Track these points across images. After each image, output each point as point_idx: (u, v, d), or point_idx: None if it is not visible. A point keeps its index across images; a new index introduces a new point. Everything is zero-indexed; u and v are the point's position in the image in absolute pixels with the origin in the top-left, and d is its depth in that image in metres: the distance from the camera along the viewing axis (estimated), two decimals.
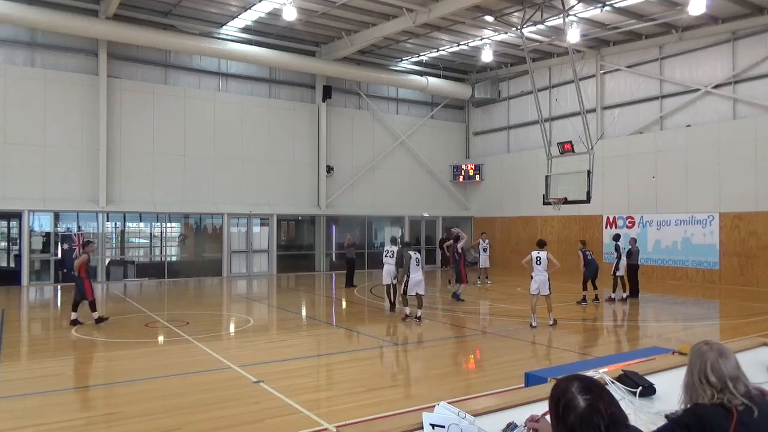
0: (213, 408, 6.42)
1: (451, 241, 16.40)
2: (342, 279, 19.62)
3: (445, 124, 28.70)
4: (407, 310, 12.45)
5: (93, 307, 11.66)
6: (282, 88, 24.52)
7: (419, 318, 12.19)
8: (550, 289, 11.72)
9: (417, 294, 12.28)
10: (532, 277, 11.78)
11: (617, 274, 15.43)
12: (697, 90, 20.36)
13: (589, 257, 15.38)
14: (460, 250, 15.94)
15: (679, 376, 2.64)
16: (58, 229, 20.24)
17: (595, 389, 2.03)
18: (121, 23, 19.49)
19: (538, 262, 11.70)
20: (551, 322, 11.61)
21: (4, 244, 20.58)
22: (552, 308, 11.80)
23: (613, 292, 15.46)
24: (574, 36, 19.13)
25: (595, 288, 15.28)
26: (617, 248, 15.62)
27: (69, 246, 19.78)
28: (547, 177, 19.90)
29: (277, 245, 24.06)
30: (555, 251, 21.74)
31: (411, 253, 12.43)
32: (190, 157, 22.14)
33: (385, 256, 14.04)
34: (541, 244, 12.11)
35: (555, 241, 23.67)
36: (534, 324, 11.53)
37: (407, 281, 12.27)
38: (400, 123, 27.12)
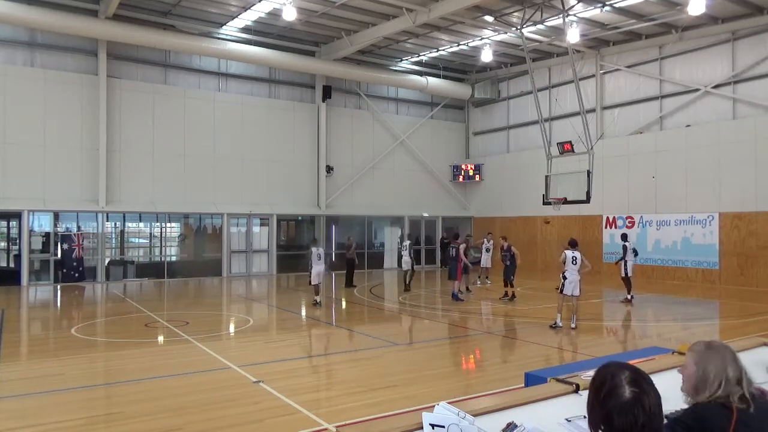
0: (213, 408, 6.42)
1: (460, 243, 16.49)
2: (342, 279, 19.62)
3: (444, 124, 28.69)
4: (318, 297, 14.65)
5: None
6: (282, 88, 24.52)
7: (319, 303, 14.47)
8: (580, 291, 11.57)
9: (316, 284, 14.52)
10: (565, 278, 11.42)
11: (627, 274, 15.19)
12: (696, 90, 20.36)
13: (509, 256, 15.97)
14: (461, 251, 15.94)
15: (678, 376, 2.64)
16: (58, 229, 20.22)
17: (645, 385, 2.01)
18: (121, 23, 19.49)
19: (575, 262, 11.42)
20: (573, 325, 11.30)
21: (4, 244, 20.58)
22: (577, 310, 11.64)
23: (628, 292, 15.29)
24: (573, 36, 19.12)
25: (511, 286, 15.74)
26: (624, 248, 15.40)
27: (69, 246, 19.79)
28: (547, 177, 19.90)
29: (276, 245, 24.06)
30: (555, 251, 21.79)
31: (314, 249, 14.78)
32: (190, 157, 22.14)
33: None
34: (573, 244, 11.76)
35: (555, 241, 23.70)
36: (559, 324, 11.28)
37: (311, 272, 14.51)
38: (400, 123, 27.12)
